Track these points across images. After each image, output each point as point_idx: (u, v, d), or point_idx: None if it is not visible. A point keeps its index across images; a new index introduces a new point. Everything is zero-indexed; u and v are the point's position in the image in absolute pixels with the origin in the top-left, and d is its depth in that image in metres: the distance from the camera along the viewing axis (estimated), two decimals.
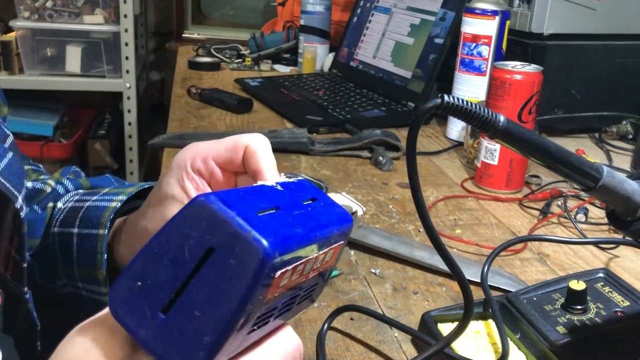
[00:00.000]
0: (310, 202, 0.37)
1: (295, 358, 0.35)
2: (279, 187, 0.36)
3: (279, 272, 0.29)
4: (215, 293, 0.28)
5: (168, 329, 0.28)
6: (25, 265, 0.51)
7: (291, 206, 0.34)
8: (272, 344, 0.34)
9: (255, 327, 0.31)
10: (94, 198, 0.59)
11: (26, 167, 0.67)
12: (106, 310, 0.31)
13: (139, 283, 0.29)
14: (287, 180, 0.39)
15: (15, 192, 0.48)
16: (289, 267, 0.30)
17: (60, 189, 0.63)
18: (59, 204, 0.60)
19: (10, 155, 0.50)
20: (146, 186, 0.59)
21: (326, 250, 0.35)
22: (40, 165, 0.69)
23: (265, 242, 0.28)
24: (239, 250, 0.28)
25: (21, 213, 0.48)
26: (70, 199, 0.61)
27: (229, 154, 0.45)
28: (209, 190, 0.47)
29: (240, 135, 0.45)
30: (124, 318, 0.29)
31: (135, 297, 0.29)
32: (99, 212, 0.56)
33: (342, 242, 0.37)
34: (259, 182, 0.40)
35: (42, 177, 0.65)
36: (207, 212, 0.28)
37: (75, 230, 0.56)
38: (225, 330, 0.28)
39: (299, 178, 0.41)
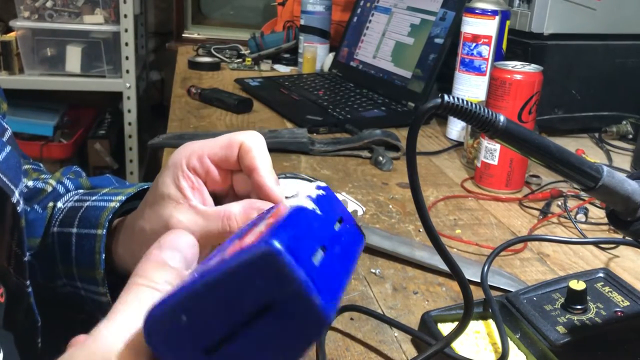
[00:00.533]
0: (339, 225, 0.35)
1: None
2: (318, 211, 0.34)
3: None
4: (268, 348, 0.27)
5: None
6: (26, 259, 0.51)
7: (331, 240, 0.32)
8: None
9: None
10: (94, 198, 0.59)
11: (27, 166, 0.67)
12: (102, 337, 0.29)
13: (185, 317, 0.27)
14: (316, 192, 0.38)
15: (12, 187, 0.48)
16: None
17: (61, 189, 0.63)
18: (59, 204, 0.60)
19: (8, 149, 0.50)
20: (145, 186, 0.59)
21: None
22: (41, 164, 0.69)
23: (326, 306, 0.27)
24: (301, 310, 0.26)
25: (18, 208, 0.48)
26: (70, 199, 0.61)
27: (224, 152, 0.45)
28: (204, 188, 0.47)
29: (235, 133, 0.46)
30: (160, 347, 0.28)
31: (178, 329, 0.27)
32: (97, 212, 0.56)
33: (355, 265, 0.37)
34: (295, 203, 0.36)
35: (42, 176, 0.65)
36: (277, 264, 0.26)
37: (74, 230, 0.57)
38: None
39: (320, 184, 0.40)
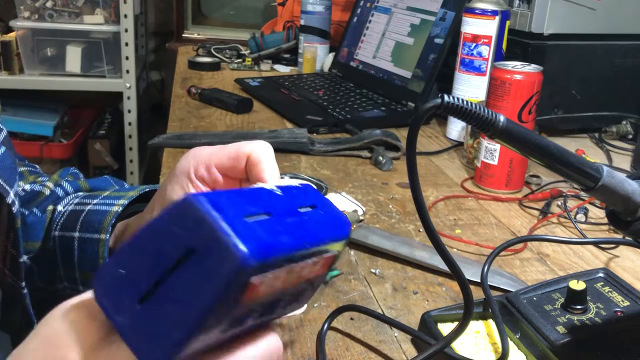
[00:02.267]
0: (308, 209, 0.37)
1: None
2: (278, 191, 0.36)
3: (256, 279, 0.29)
4: (189, 291, 0.28)
5: (142, 319, 0.29)
6: (21, 260, 0.51)
7: (284, 213, 0.34)
8: (252, 346, 0.34)
9: (231, 327, 0.31)
10: (95, 201, 0.59)
11: (23, 168, 0.67)
12: (89, 294, 0.32)
13: (122, 270, 0.30)
14: (290, 184, 0.39)
15: (7, 188, 0.48)
16: (269, 275, 0.30)
17: (60, 192, 0.63)
18: (59, 207, 0.60)
19: (2, 149, 0.50)
20: (147, 189, 0.59)
21: (316, 260, 0.35)
22: (37, 166, 0.69)
23: (244, 249, 0.28)
24: (217, 254, 0.28)
25: (13, 208, 0.48)
26: (71, 202, 0.61)
27: (231, 163, 0.45)
28: None
29: (244, 143, 0.45)
30: (103, 302, 0.30)
31: (117, 284, 0.30)
32: (100, 217, 0.56)
33: (337, 251, 0.37)
34: (259, 184, 0.40)
35: (40, 179, 0.65)
36: (194, 212, 0.29)
37: (77, 234, 0.57)
38: (193, 329, 0.28)
39: (303, 182, 0.41)
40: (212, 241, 0.28)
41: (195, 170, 0.46)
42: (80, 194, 0.63)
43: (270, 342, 0.35)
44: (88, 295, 0.32)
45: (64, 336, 0.31)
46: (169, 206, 0.30)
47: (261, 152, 0.44)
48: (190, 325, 0.28)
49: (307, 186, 0.40)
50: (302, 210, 0.36)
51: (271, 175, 0.44)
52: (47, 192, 0.62)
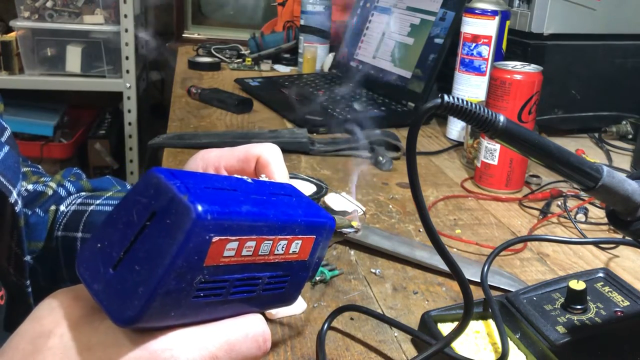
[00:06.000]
0: (281, 196, 0.38)
1: (258, 342, 0.35)
2: (249, 180, 0.38)
3: (216, 238, 0.31)
4: (153, 250, 0.31)
5: (114, 282, 0.31)
6: (25, 259, 0.51)
7: (251, 192, 0.36)
8: (232, 323, 0.35)
9: (202, 295, 0.33)
10: (98, 202, 0.59)
11: (25, 168, 0.67)
12: (80, 284, 0.34)
13: (99, 245, 0.33)
14: (266, 180, 0.41)
15: (10, 187, 0.48)
16: (231, 237, 0.32)
17: (62, 192, 0.63)
18: (62, 207, 0.60)
19: (6, 149, 0.50)
20: None
21: (287, 237, 0.36)
22: (40, 167, 0.69)
23: (199, 206, 0.30)
24: (174, 212, 0.31)
25: (16, 208, 0.48)
26: (73, 202, 0.61)
27: (241, 164, 0.45)
28: None
29: (253, 145, 0.46)
30: (83, 274, 0.33)
31: (94, 257, 0.33)
32: (103, 217, 0.56)
33: (314, 236, 0.38)
34: (236, 175, 0.42)
35: (42, 179, 0.65)
36: (154, 181, 0.32)
37: (79, 234, 0.57)
38: (157, 283, 0.30)
39: (274, 174, 0.44)
40: (170, 201, 0.31)
41: (204, 171, 0.46)
42: (83, 194, 0.63)
43: (252, 320, 0.35)
44: (78, 285, 0.35)
45: (49, 314, 0.33)
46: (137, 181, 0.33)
47: (270, 154, 0.45)
48: (155, 280, 0.30)
49: (289, 185, 0.42)
50: (273, 195, 0.38)
51: (281, 176, 0.44)
52: (50, 192, 0.62)
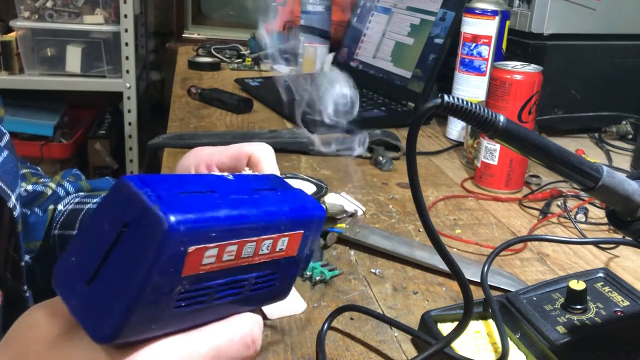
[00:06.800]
0: (264, 191, 0.37)
1: (246, 343, 0.34)
2: (230, 177, 0.37)
3: (192, 248, 0.30)
4: (127, 264, 0.30)
5: (90, 298, 0.30)
6: (23, 264, 0.51)
7: (230, 192, 0.34)
8: (217, 328, 0.34)
9: (184, 304, 0.32)
10: (95, 200, 0.59)
11: (25, 170, 0.67)
12: (55, 298, 0.34)
13: (73, 258, 0.32)
14: (249, 173, 0.40)
15: (9, 192, 0.48)
16: (210, 245, 0.31)
17: (61, 192, 0.63)
18: (60, 206, 0.60)
19: (5, 153, 0.50)
20: None
21: (272, 236, 0.34)
22: (39, 168, 0.69)
23: (171, 217, 0.29)
24: (146, 223, 0.29)
25: (14, 213, 0.48)
26: (71, 201, 0.61)
27: (232, 162, 0.45)
28: None
29: (245, 144, 0.46)
30: (60, 289, 0.32)
31: (70, 271, 0.32)
32: None
33: (301, 231, 0.37)
34: (215, 172, 0.41)
35: (42, 180, 0.65)
36: (125, 190, 0.30)
37: (76, 232, 0.57)
38: (133, 298, 0.29)
39: (265, 172, 0.42)
40: (141, 212, 0.29)
41: (196, 168, 0.46)
42: (81, 194, 0.63)
43: (238, 322, 0.34)
44: (54, 299, 0.34)
45: (26, 333, 0.33)
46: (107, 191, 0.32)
47: (262, 153, 0.45)
48: (130, 295, 0.29)
49: (272, 175, 0.41)
50: (255, 192, 0.36)
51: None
52: (49, 192, 0.62)
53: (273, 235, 0.35)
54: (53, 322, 0.33)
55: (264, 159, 0.44)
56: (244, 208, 0.33)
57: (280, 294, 0.39)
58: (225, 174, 0.38)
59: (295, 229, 0.36)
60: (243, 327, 0.34)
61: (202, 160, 0.46)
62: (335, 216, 0.47)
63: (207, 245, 0.31)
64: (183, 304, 0.31)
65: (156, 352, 0.31)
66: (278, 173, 0.45)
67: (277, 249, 0.35)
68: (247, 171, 0.45)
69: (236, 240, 0.32)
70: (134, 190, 0.30)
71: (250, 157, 0.45)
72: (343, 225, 0.49)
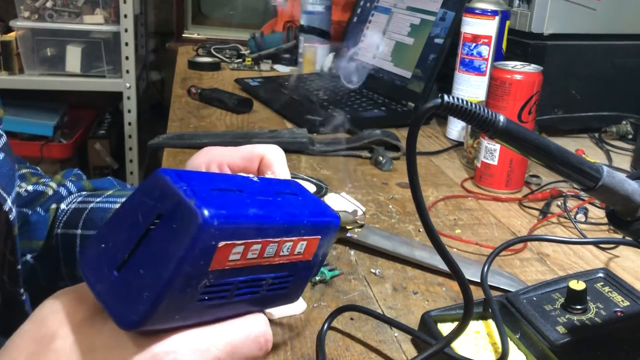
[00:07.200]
0: (287, 195, 0.38)
1: (260, 343, 0.35)
2: (255, 179, 0.38)
3: (222, 243, 0.31)
4: (158, 254, 0.30)
5: (118, 285, 0.31)
6: (19, 267, 0.51)
7: (257, 193, 0.36)
8: (235, 324, 0.35)
9: (207, 298, 0.32)
10: (98, 200, 0.59)
11: (24, 170, 0.67)
12: (80, 284, 0.35)
13: (103, 245, 0.32)
14: (275, 178, 0.41)
15: (5, 195, 0.48)
16: (237, 242, 0.32)
17: (63, 191, 0.63)
18: (62, 206, 0.60)
19: (1, 156, 0.50)
20: None
21: (293, 238, 0.36)
22: (38, 168, 0.69)
23: (205, 211, 0.30)
24: (181, 216, 0.30)
25: (10, 216, 0.48)
26: (74, 201, 0.61)
27: (244, 163, 0.46)
28: None
29: (257, 145, 0.46)
30: (87, 274, 0.33)
31: (98, 257, 0.32)
32: (102, 214, 0.56)
33: (319, 237, 0.38)
34: (241, 174, 0.42)
35: (42, 180, 0.65)
36: (161, 183, 0.31)
37: (79, 231, 0.57)
38: (162, 289, 0.30)
39: (277, 175, 0.44)
40: (176, 205, 0.30)
41: (207, 167, 0.46)
42: (84, 193, 0.63)
43: (254, 321, 0.35)
44: (80, 284, 0.35)
45: (53, 316, 0.33)
46: (142, 182, 0.32)
47: (274, 155, 0.45)
48: (159, 285, 0.30)
49: (292, 181, 0.42)
50: (279, 195, 0.38)
51: (284, 177, 0.45)
52: (51, 192, 0.62)
53: (294, 238, 0.36)
54: (78, 306, 0.33)
55: (276, 161, 0.45)
56: (270, 209, 0.35)
57: (291, 297, 0.40)
58: (250, 175, 0.39)
59: (314, 234, 0.38)
60: (258, 326, 0.36)
61: (214, 159, 0.46)
62: (346, 226, 0.47)
63: (236, 242, 0.32)
64: (206, 297, 0.32)
65: (177, 343, 0.32)
66: (289, 176, 0.46)
67: (296, 252, 0.37)
68: (269, 175, 0.46)
69: (261, 240, 0.34)
70: (169, 183, 0.31)
71: (263, 158, 0.45)
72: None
